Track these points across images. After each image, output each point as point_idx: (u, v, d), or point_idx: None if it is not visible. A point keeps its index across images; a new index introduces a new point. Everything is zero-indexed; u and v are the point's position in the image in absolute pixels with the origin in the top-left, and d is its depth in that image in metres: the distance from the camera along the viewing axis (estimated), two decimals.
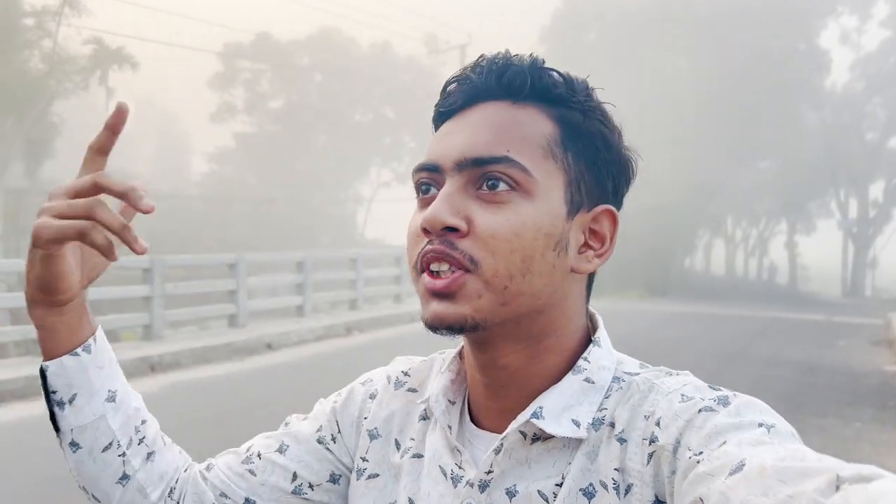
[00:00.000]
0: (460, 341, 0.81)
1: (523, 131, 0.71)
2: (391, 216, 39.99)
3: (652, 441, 0.66)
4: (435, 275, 0.70)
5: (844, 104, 33.86)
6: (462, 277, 0.69)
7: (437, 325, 0.70)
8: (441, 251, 0.69)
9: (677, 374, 0.73)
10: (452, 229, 0.69)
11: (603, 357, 0.75)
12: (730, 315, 17.01)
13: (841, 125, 32.97)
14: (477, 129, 0.72)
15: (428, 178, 0.75)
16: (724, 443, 0.59)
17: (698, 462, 0.59)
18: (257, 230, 26.80)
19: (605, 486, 0.68)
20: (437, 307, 0.70)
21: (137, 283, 10.10)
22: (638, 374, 0.74)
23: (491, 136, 0.71)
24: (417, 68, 34.90)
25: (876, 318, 16.74)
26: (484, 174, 0.70)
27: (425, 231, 0.71)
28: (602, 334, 0.77)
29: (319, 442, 0.88)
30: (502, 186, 0.70)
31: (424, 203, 0.74)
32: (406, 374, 0.90)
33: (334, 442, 0.88)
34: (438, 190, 0.73)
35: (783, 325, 15.19)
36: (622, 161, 0.76)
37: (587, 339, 0.77)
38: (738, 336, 12.87)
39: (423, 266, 0.71)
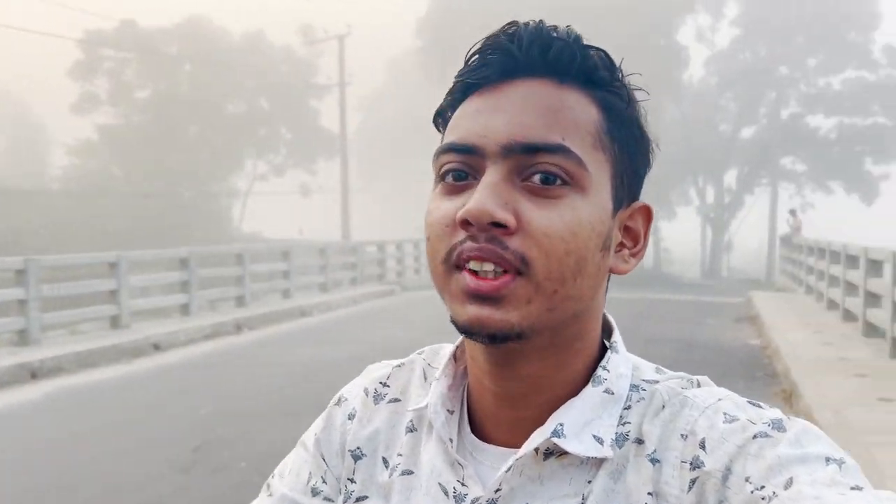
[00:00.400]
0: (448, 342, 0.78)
1: (574, 116, 0.64)
2: (268, 210, 39.11)
3: (694, 466, 0.60)
4: (476, 274, 0.62)
5: (700, 98, 36.07)
6: (512, 282, 0.61)
7: (477, 332, 0.62)
8: (490, 251, 0.61)
9: (699, 383, 0.68)
10: (499, 225, 0.61)
11: (620, 364, 0.69)
12: (610, 298, 17.83)
13: (698, 117, 35.08)
14: (524, 110, 0.63)
15: (460, 163, 0.65)
16: (791, 479, 0.54)
17: (763, 499, 0.55)
18: (129, 227, 25.54)
19: None
20: (479, 311, 0.61)
21: (10, 286, 9.48)
22: (657, 381, 0.69)
23: (541, 120, 0.63)
24: (294, 59, 34.24)
25: (735, 297, 18.07)
26: (534, 164, 0.62)
27: (465, 223, 0.61)
28: (618, 338, 0.71)
29: (315, 494, 0.77)
30: (555, 179, 0.62)
31: (454, 190, 0.65)
32: (384, 384, 0.80)
33: (326, 483, 0.77)
34: (473, 176, 0.64)
35: (659, 306, 16.09)
36: (650, 151, 0.71)
37: (602, 343, 0.72)
38: (624, 317, 13.57)
39: (461, 262, 0.62)
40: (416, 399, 0.76)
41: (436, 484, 0.70)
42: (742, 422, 0.61)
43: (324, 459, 0.78)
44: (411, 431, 0.75)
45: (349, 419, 0.79)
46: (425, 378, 0.78)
